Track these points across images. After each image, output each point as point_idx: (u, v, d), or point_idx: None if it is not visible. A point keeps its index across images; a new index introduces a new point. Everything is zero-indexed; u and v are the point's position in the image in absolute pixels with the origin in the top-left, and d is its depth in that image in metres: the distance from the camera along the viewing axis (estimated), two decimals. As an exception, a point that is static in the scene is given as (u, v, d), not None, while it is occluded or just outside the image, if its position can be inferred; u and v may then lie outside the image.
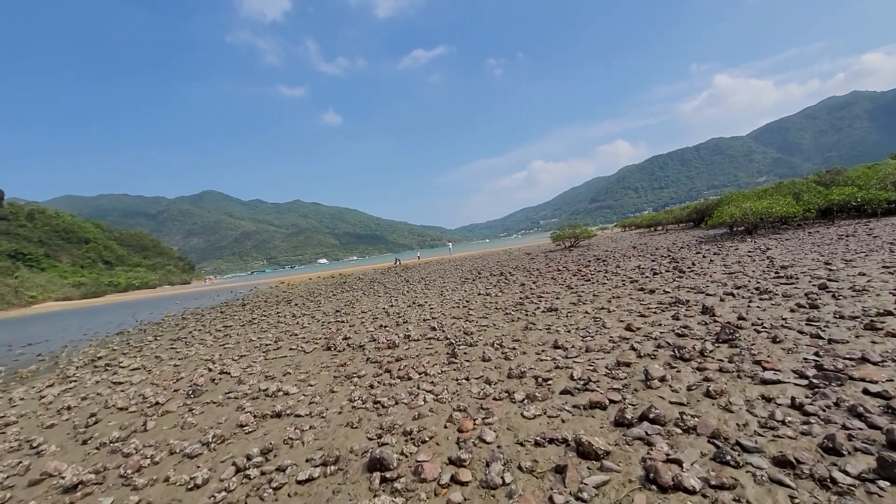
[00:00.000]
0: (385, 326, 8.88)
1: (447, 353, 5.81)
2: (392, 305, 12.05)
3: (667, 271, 10.40)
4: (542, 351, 5.31)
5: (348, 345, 7.47)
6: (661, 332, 5.26)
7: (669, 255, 13.60)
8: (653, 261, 12.99)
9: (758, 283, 7.40)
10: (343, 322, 10.42)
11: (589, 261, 16.16)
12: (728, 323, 5.07)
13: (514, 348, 5.63)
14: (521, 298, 9.77)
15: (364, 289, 19.14)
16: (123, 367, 8.54)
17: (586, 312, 7.17)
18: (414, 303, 11.83)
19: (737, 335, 4.52)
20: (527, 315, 7.74)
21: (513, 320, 7.52)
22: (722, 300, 6.56)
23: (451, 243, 56.29)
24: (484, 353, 5.61)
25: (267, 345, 8.70)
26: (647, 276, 10.06)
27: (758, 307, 5.80)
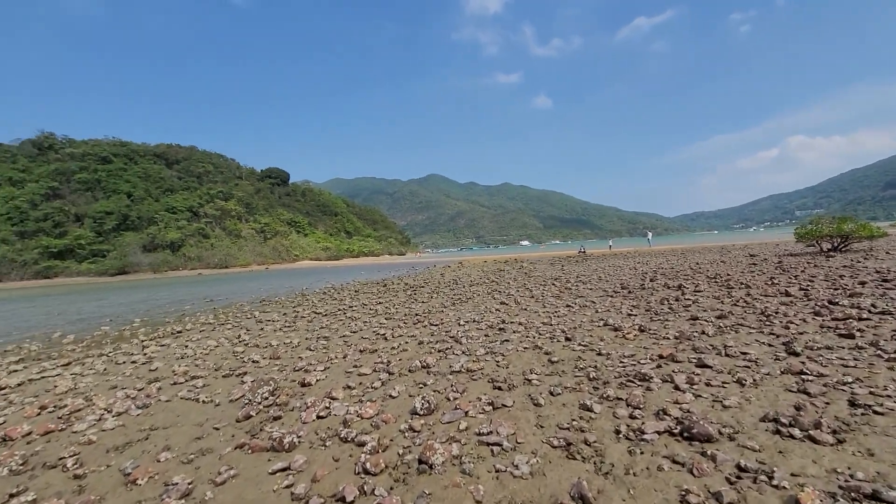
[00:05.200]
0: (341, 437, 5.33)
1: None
2: (441, 344, 8.32)
3: None
4: None
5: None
6: None
7: None
8: None
9: None
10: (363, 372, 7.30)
11: (863, 282, 8.72)
12: None
13: None
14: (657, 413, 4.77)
15: (495, 287, 15.61)
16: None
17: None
18: (472, 353, 7.78)
19: None
20: None
21: None
22: None
23: (650, 233, 46.64)
24: None
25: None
26: None
27: None
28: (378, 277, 27.86)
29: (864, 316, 5.83)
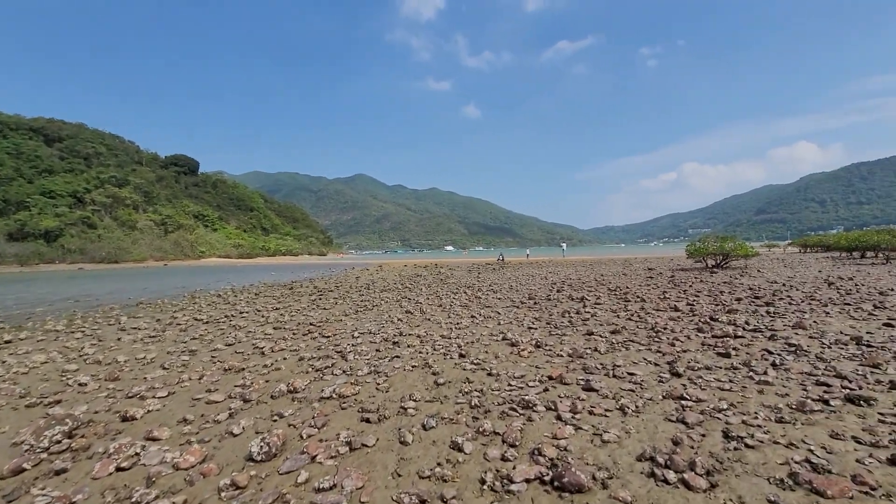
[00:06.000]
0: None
1: None
2: (323, 361, 7.64)
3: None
4: None
5: None
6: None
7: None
8: (895, 329, 6.16)
9: None
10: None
11: (739, 298, 9.45)
12: None
13: None
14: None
15: (405, 294, 15.04)
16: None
17: None
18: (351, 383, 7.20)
19: None
20: None
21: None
22: None
23: (564, 244, 49.18)
24: None
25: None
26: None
27: None
28: (289, 279, 26.11)
29: (739, 333, 6.10)
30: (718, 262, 18.83)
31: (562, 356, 5.48)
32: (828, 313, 7.34)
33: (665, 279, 14.69)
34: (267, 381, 4.98)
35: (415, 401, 4.07)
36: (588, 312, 8.55)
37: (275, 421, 3.77)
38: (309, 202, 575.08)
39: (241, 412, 4.04)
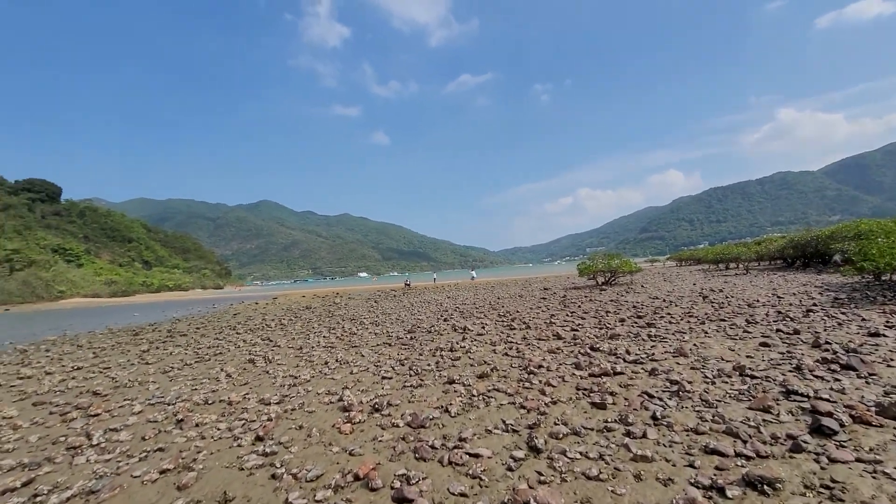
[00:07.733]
0: None
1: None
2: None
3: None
4: None
5: None
6: None
7: (812, 337, 6.17)
8: (772, 350, 5.64)
9: None
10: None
11: (622, 319, 8.86)
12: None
13: None
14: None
15: (269, 335, 12.78)
16: None
17: None
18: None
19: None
20: None
21: None
22: None
23: (474, 272, 49.21)
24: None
25: None
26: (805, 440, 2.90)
27: None
28: (152, 319, 21.90)
29: (619, 368, 5.11)
30: (607, 278, 19.14)
31: (398, 427, 3.98)
32: (706, 332, 6.82)
33: (557, 299, 14.19)
34: None
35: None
36: (463, 347, 7.26)
37: None
38: (206, 231, 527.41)
39: None
